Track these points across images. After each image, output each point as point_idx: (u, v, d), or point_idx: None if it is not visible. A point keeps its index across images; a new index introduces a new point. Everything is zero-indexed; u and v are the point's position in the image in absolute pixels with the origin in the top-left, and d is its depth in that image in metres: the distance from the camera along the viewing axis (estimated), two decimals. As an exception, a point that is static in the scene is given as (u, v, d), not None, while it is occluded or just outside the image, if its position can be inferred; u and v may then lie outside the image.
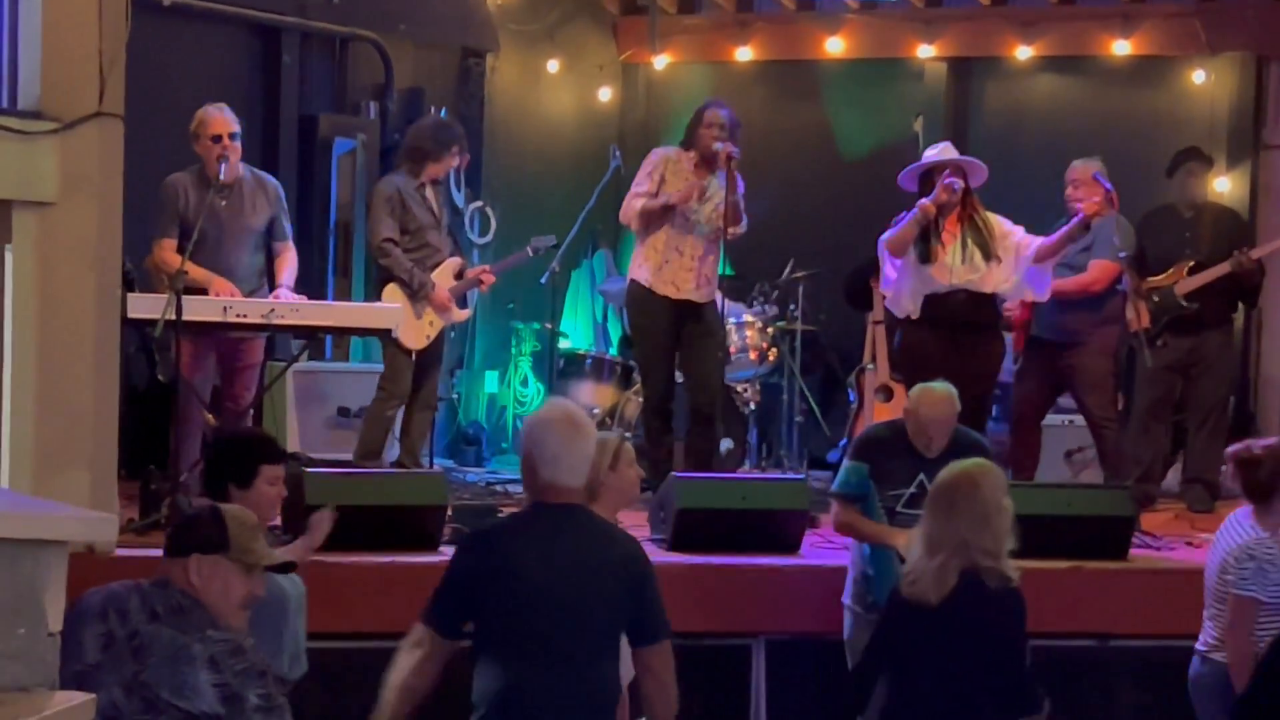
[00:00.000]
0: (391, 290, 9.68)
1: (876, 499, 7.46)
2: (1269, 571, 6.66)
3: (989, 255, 9.23)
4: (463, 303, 10.06)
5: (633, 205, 9.83)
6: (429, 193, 9.83)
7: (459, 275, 9.92)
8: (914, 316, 9.34)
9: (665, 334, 9.89)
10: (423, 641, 5.48)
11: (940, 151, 9.47)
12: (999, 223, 9.36)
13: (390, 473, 9.36)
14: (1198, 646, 6.98)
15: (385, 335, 9.18)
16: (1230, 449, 7.10)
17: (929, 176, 9.33)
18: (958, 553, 6.07)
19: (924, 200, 9.18)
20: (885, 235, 9.36)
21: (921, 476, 7.26)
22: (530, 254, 10.61)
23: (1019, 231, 9.35)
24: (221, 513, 5.20)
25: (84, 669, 4.92)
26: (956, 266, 9.20)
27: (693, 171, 9.86)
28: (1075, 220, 9.25)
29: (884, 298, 9.74)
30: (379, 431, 9.63)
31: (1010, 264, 9.27)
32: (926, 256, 9.20)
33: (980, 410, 9.17)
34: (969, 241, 9.23)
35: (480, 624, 5.47)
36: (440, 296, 9.74)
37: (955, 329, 9.24)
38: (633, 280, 10.01)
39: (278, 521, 7.38)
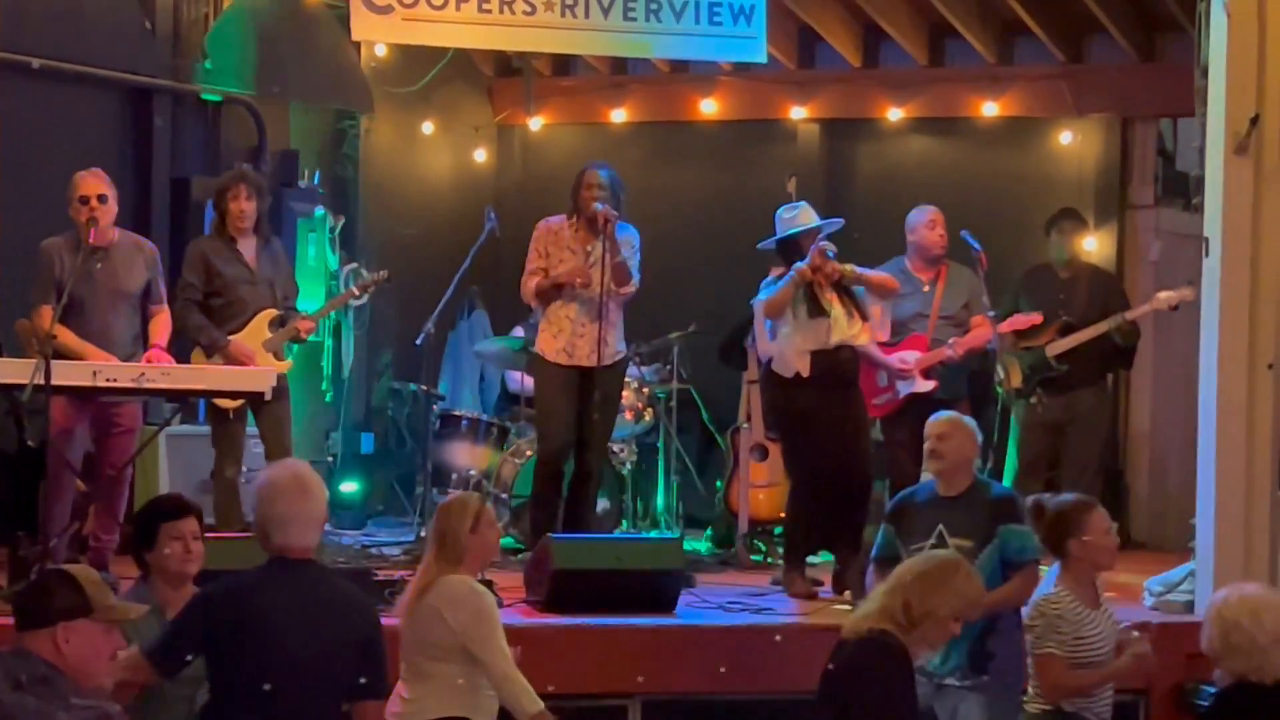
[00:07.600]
0: (199, 352, 9.51)
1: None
2: (1059, 626, 6.70)
3: (865, 315, 9.38)
4: (282, 354, 9.75)
5: (528, 285, 9.92)
6: (243, 246, 9.55)
7: (281, 325, 9.67)
8: (804, 374, 9.34)
9: (562, 399, 9.84)
10: (136, 670, 5.58)
11: (798, 215, 9.51)
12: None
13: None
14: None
15: (259, 398, 9.05)
16: (1030, 498, 7.12)
17: (792, 238, 9.43)
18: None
19: (800, 264, 9.26)
20: (760, 298, 9.43)
21: (940, 526, 7.18)
22: (357, 292, 10.47)
23: None
24: (73, 575, 5.12)
25: (-53, 742, 4.84)
26: (841, 322, 9.30)
27: (574, 239, 9.88)
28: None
29: (759, 358, 9.76)
30: (226, 496, 9.41)
31: (875, 321, 9.42)
32: (817, 312, 9.27)
33: (867, 464, 9.34)
34: (845, 300, 9.34)
35: (214, 675, 5.61)
36: (236, 350, 9.38)
37: (840, 385, 9.34)
38: (532, 351, 10.06)
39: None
